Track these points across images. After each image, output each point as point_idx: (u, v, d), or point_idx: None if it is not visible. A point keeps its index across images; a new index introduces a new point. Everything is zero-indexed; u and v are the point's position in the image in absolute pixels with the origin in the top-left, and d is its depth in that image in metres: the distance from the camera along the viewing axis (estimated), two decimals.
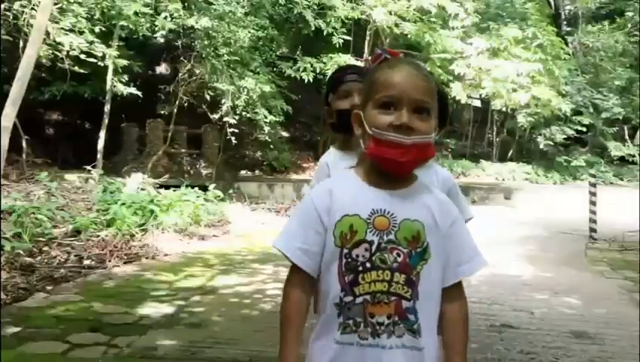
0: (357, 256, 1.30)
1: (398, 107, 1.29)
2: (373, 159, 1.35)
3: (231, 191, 12.18)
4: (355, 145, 1.53)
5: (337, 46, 13.05)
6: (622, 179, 18.89)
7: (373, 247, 1.29)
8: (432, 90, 1.34)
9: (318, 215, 1.34)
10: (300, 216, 1.39)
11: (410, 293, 1.29)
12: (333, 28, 12.94)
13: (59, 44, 9.23)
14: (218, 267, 6.17)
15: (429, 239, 1.32)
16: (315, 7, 13.11)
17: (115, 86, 10.71)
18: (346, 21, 13.20)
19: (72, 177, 9.45)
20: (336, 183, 1.42)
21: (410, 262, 1.30)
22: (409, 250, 1.30)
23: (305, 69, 12.98)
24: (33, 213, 6.62)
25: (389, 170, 1.34)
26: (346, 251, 1.30)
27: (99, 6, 9.86)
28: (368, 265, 1.29)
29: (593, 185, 9.15)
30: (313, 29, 13.10)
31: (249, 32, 11.58)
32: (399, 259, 1.29)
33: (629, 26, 20.37)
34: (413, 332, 1.30)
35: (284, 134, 15.77)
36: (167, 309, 4.46)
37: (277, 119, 12.81)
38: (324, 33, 13.05)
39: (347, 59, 12.95)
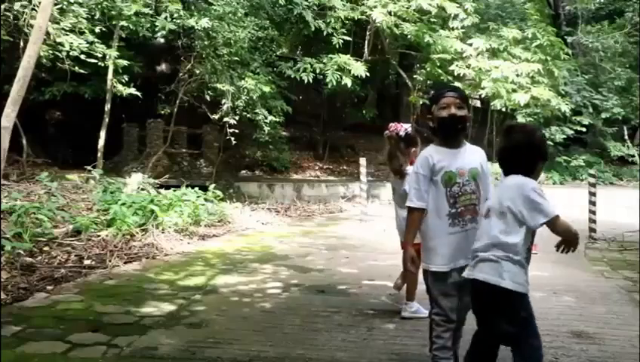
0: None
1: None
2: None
3: (231, 191, 12.18)
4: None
5: (337, 46, 13.06)
6: (621, 179, 18.90)
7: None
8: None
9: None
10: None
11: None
12: (333, 28, 12.95)
13: (59, 44, 9.23)
14: (218, 267, 6.17)
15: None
16: (315, 7, 13.12)
17: (115, 86, 10.71)
18: (346, 22, 13.21)
19: (72, 177, 9.45)
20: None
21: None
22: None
23: (305, 70, 12.98)
24: (33, 213, 6.62)
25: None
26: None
27: (99, 6, 9.86)
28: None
29: (593, 185, 9.14)
30: (313, 29, 13.10)
31: (249, 33, 11.58)
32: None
33: (629, 26, 20.36)
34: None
35: (284, 134, 15.77)
36: (167, 309, 4.47)
37: (277, 119, 12.81)
38: (324, 34, 13.06)
39: (347, 59, 12.96)
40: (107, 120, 11.11)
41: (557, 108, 14.88)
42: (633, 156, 19.27)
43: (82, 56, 9.61)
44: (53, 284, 5.08)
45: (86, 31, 9.58)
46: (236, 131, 11.95)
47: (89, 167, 9.52)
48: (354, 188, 13.31)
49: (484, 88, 13.88)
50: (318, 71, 12.89)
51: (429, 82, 14.85)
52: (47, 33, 8.37)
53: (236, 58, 11.79)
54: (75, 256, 6.09)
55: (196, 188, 9.21)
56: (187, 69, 12.17)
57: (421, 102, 14.39)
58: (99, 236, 6.76)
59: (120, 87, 10.67)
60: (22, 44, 9.17)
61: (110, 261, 6.03)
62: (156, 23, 10.54)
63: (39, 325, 3.97)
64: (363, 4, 13.15)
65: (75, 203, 7.88)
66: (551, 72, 14.62)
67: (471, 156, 3.05)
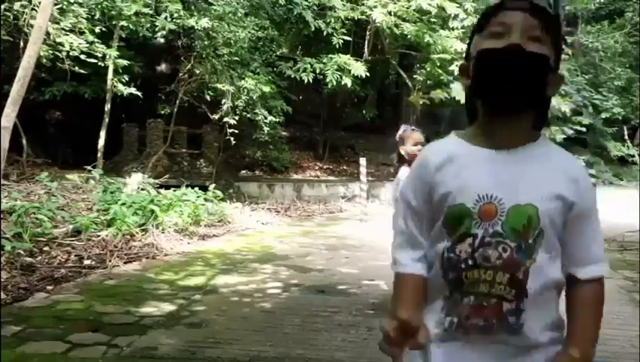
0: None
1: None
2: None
3: (231, 191, 12.18)
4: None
5: (337, 46, 13.06)
6: (622, 179, 18.89)
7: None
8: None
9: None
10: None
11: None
12: (333, 28, 12.95)
13: (59, 44, 9.23)
14: (218, 267, 6.17)
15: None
16: (315, 7, 13.11)
17: (115, 86, 10.72)
18: (346, 22, 13.21)
19: (72, 177, 9.45)
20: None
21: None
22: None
23: (305, 70, 12.97)
24: (33, 213, 6.62)
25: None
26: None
27: (99, 6, 9.86)
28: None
29: (593, 185, 9.15)
30: (313, 29, 13.10)
31: (249, 33, 11.58)
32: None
33: (629, 26, 20.37)
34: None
35: (284, 134, 15.77)
36: (167, 309, 4.47)
37: (277, 119, 12.82)
38: (324, 34, 13.05)
39: (347, 59, 12.96)
40: (107, 120, 11.11)
41: (557, 109, 14.88)
42: (633, 156, 19.26)
43: (82, 56, 9.61)
44: (53, 284, 5.08)
45: (86, 31, 9.58)
46: (236, 131, 11.95)
47: (89, 167, 9.52)
48: (354, 188, 13.31)
49: None
50: (318, 71, 12.89)
51: (429, 82, 14.85)
52: (47, 33, 8.37)
53: (236, 58, 11.80)
54: (75, 256, 6.09)
55: (196, 188, 9.22)
56: (187, 69, 12.18)
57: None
58: (99, 236, 6.76)
59: (120, 87, 10.67)
60: (22, 44, 9.17)
61: (110, 261, 6.03)
62: (156, 23, 10.54)
63: (39, 325, 3.97)
64: (363, 4, 13.15)
65: (75, 203, 7.88)
66: None
67: (540, 174, 1.19)
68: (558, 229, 1.18)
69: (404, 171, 3.96)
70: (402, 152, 4.16)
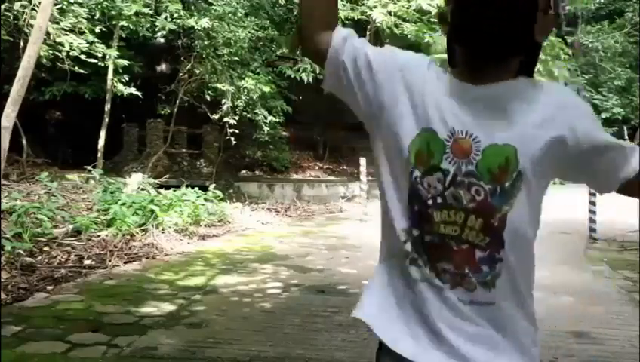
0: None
1: None
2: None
3: (231, 191, 12.19)
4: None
5: None
6: None
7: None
8: None
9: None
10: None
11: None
12: None
13: (59, 44, 9.24)
14: (218, 267, 6.17)
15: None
16: None
17: (115, 86, 10.72)
18: (346, 21, 13.19)
19: (72, 177, 9.45)
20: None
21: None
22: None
23: (305, 70, 12.97)
24: (33, 213, 6.62)
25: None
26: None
27: (99, 6, 9.87)
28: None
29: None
30: None
31: (249, 33, 11.59)
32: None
33: (629, 26, 20.39)
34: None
35: (284, 134, 15.78)
36: (167, 309, 4.46)
37: (277, 120, 12.81)
38: None
39: None
40: (107, 120, 11.11)
41: None
42: None
43: (82, 56, 9.62)
44: (53, 284, 5.08)
45: (86, 31, 9.58)
46: (236, 131, 11.96)
47: (89, 167, 9.52)
48: (354, 188, 13.32)
49: None
50: (317, 71, 12.88)
51: None
52: (47, 33, 8.37)
53: (236, 58, 11.80)
54: (75, 256, 6.09)
55: (196, 188, 9.22)
56: (187, 69, 12.18)
57: None
58: (99, 236, 6.76)
59: (120, 87, 10.68)
60: (22, 44, 9.17)
61: (110, 261, 6.03)
62: (156, 23, 10.55)
63: (39, 325, 3.97)
64: (363, 4, 13.15)
65: (75, 203, 7.88)
66: (551, 72, 14.61)
67: (522, 113, 1.06)
68: (546, 172, 1.07)
69: None
70: None
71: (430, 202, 1.06)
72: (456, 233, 1.05)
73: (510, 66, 1.07)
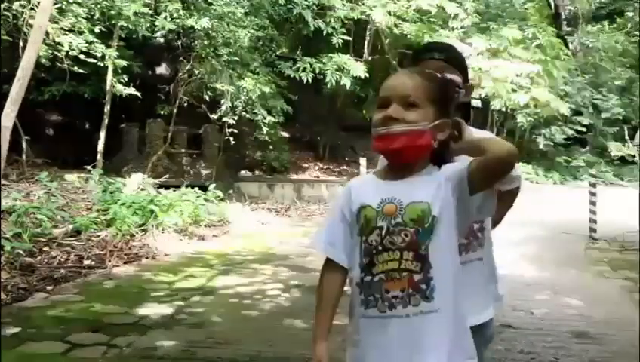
0: (371, 241, 1.49)
1: (388, 104, 1.48)
2: (380, 155, 1.60)
3: (231, 191, 12.17)
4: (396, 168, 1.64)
5: (337, 46, 13.05)
6: (622, 179, 18.89)
7: (384, 232, 1.48)
8: (419, 86, 1.50)
9: (341, 210, 1.57)
10: (328, 214, 1.67)
11: (420, 266, 1.46)
12: (333, 28, 12.93)
13: (58, 44, 9.22)
14: (218, 267, 6.17)
15: (437, 213, 1.47)
16: (315, 7, 13.10)
17: (114, 86, 10.71)
18: (346, 21, 13.20)
19: (72, 177, 9.44)
20: (355, 183, 1.64)
21: (417, 239, 1.46)
22: (416, 228, 1.46)
23: (304, 70, 12.96)
24: (33, 213, 6.61)
25: (390, 161, 1.55)
26: (364, 238, 1.50)
27: (98, 6, 9.85)
28: (380, 247, 1.48)
29: (593, 185, 9.15)
30: (313, 29, 13.08)
31: (249, 32, 11.57)
32: (407, 239, 1.46)
33: (629, 26, 20.38)
34: (427, 298, 1.45)
35: (284, 134, 15.77)
36: (167, 309, 4.46)
37: (276, 120, 12.80)
38: (324, 33, 13.04)
39: (347, 59, 12.95)
40: (107, 120, 11.10)
41: (556, 110, 14.89)
42: (634, 156, 19.27)
43: (81, 56, 9.60)
44: (52, 284, 5.08)
45: (85, 31, 9.56)
46: (235, 131, 11.95)
47: (89, 167, 9.51)
48: None
49: (484, 88, 13.88)
50: (317, 71, 12.89)
51: None
52: (47, 33, 8.36)
53: (236, 58, 11.78)
54: (75, 256, 6.08)
55: (196, 188, 9.21)
56: (187, 69, 12.16)
57: None
58: (99, 236, 6.75)
59: (119, 87, 10.66)
60: (21, 44, 9.15)
61: (110, 261, 6.02)
62: (156, 23, 10.53)
63: (39, 325, 3.97)
64: (363, 4, 13.14)
65: (74, 203, 7.87)
66: (550, 73, 14.62)
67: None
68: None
69: None
70: None
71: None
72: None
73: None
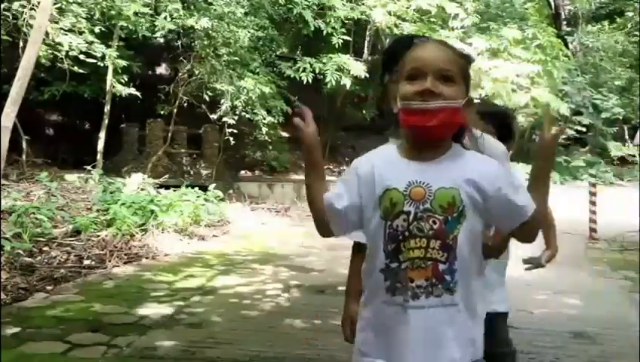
0: (397, 226, 1.40)
1: (423, 76, 1.37)
2: (407, 131, 1.44)
3: (231, 191, 12.17)
4: (422, 149, 1.50)
5: (337, 46, 13.04)
6: (622, 179, 18.88)
7: (411, 217, 1.39)
8: (455, 60, 1.42)
9: (358, 190, 1.48)
10: (342, 181, 1.58)
11: (446, 257, 1.39)
12: (333, 28, 12.93)
13: (58, 44, 9.22)
14: (218, 267, 6.17)
15: (465, 202, 1.39)
16: (315, 7, 13.09)
17: (114, 86, 10.71)
18: (346, 21, 13.19)
19: (72, 177, 9.44)
20: (378, 162, 1.49)
21: (445, 228, 1.39)
22: (445, 216, 1.39)
23: (304, 70, 12.95)
24: (33, 213, 6.61)
25: (420, 138, 1.42)
26: (388, 223, 1.41)
27: (98, 6, 9.85)
28: (407, 233, 1.39)
29: (593, 185, 9.15)
30: (313, 29, 13.07)
31: (249, 32, 11.56)
32: (435, 227, 1.38)
33: (629, 26, 20.37)
34: (449, 291, 1.39)
35: (284, 134, 15.77)
36: (167, 309, 4.46)
37: (276, 120, 12.80)
38: (324, 33, 13.03)
39: (347, 59, 12.95)
40: (107, 120, 11.10)
41: (556, 111, 14.88)
42: (634, 156, 19.26)
43: (81, 56, 9.60)
44: (52, 284, 5.08)
45: (85, 31, 9.57)
46: (235, 131, 11.94)
47: (89, 167, 9.52)
48: None
49: (484, 88, 13.87)
50: (317, 71, 12.88)
51: None
52: (47, 33, 8.36)
53: (236, 58, 11.78)
54: (75, 256, 6.08)
55: (196, 188, 9.21)
56: (187, 69, 12.16)
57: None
58: (98, 236, 6.75)
59: (119, 87, 10.66)
60: (21, 44, 9.16)
61: (110, 261, 6.02)
62: (156, 23, 10.53)
63: (39, 325, 3.97)
64: (363, 4, 13.14)
65: (74, 203, 7.87)
66: (550, 74, 14.62)
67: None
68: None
69: None
70: None
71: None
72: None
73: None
